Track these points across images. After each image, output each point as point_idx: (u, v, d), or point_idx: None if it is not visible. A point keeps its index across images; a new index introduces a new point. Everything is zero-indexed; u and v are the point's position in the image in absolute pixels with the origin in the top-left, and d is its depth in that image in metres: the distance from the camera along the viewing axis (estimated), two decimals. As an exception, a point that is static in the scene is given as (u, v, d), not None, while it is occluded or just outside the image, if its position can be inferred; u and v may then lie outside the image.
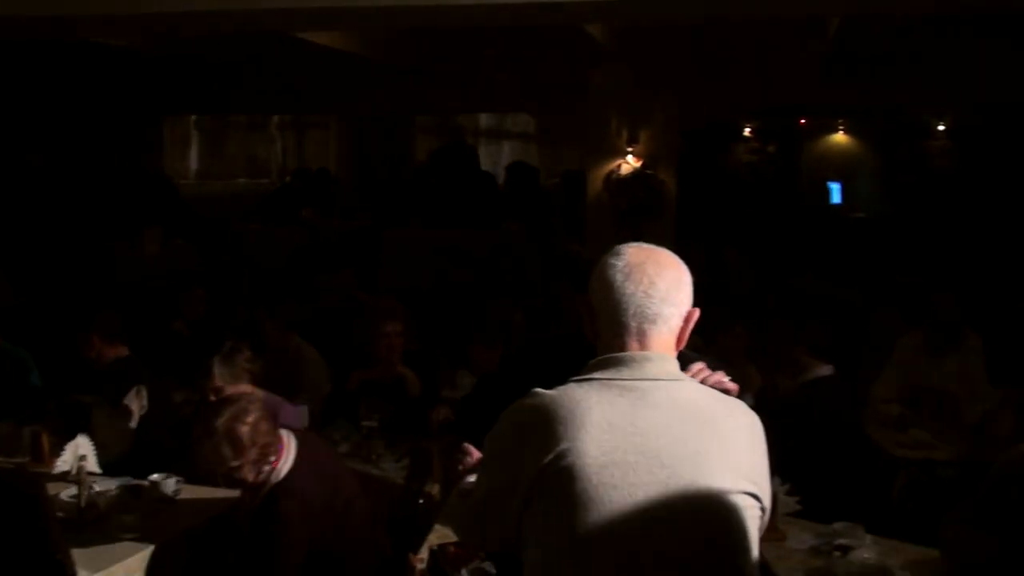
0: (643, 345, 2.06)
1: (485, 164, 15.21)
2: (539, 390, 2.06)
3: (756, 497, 2.04)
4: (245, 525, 3.70)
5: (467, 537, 2.32)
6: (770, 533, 3.55)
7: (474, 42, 9.12)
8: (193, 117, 14.79)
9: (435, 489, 4.44)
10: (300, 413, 4.91)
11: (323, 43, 8.14)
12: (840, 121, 14.23)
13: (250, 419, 3.57)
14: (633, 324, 2.05)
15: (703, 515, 1.97)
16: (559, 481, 1.95)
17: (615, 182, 9.31)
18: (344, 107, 12.49)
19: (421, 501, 4.22)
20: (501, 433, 2.10)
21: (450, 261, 8.88)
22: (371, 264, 9.36)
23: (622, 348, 2.06)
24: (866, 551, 3.44)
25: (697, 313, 2.13)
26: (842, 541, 3.53)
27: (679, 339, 2.11)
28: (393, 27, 8.31)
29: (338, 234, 10.55)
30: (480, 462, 2.26)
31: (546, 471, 1.96)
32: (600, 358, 2.08)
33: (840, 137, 14.48)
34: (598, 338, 2.11)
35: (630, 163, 9.31)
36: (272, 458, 3.60)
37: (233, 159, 15.51)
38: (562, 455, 1.96)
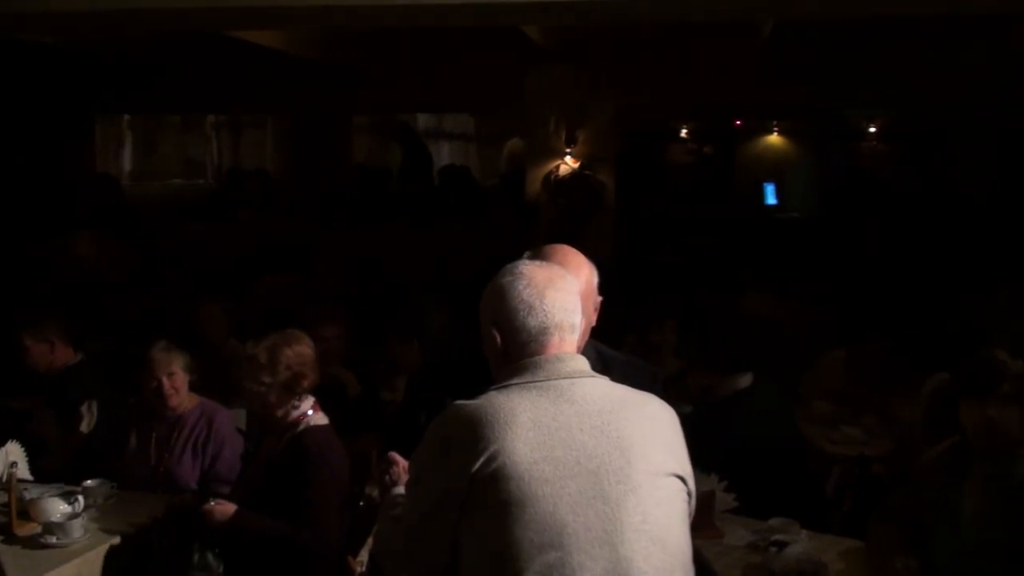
0: (560, 351, 2.15)
1: (424, 164, 15.19)
2: (459, 402, 2.10)
3: (682, 479, 2.13)
4: (260, 477, 3.80)
5: (399, 569, 2.25)
6: (708, 531, 3.61)
7: (412, 41, 9.10)
8: (126, 116, 14.55)
9: (375, 492, 4.41)
10: (236, 416, 4.86)
11: (259, 42, 8.06)
12: (775, 123, 14.43)
13: (296, 347, 3.87)
14: (542, 339, 2.14)
15: (634, 497, 2.03)
16: (492, 484, 1.98)
17: (554, 183, 9.35)
18: (280, 107, 12.37)
19: (361, 503, 4.20)
20: (425, 449, 2.12)
21: (390, 262, 8.84)
22: (310, 265, 9.29)
23: (532, 355, 2.13)
24: (801, 546, 3.49)
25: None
26: (778, 537, 3.58)
27: (586, 332, 2.26)
28: (330, 26, 8.25)
29: (277, 235, 10.45)
30: (407, 485, 2.27)
31: (477, 478, 1.99)
32: (514, 366, 2.14)
33: (774, 138, 14.70)
34: (506, 357, 2.16)
35: (569, 164, 9.35)
36: (300, 393, 3.81)
37: (168, 159, 15.27)
38: (492, 458, 1.99)
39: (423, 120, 15.66)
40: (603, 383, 2.16)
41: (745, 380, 4.31)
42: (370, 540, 3.80)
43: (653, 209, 12.17)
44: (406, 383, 5.35)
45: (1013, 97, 9.35)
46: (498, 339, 2.16)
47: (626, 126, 9.95)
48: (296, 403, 3.84)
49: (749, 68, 9.12)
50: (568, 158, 9.36)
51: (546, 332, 2.13)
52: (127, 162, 14.92)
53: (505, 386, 2.10)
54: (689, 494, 2.17)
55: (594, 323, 2.65)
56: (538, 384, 2.09)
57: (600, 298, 2.66)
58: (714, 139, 14.66)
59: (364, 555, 3.67)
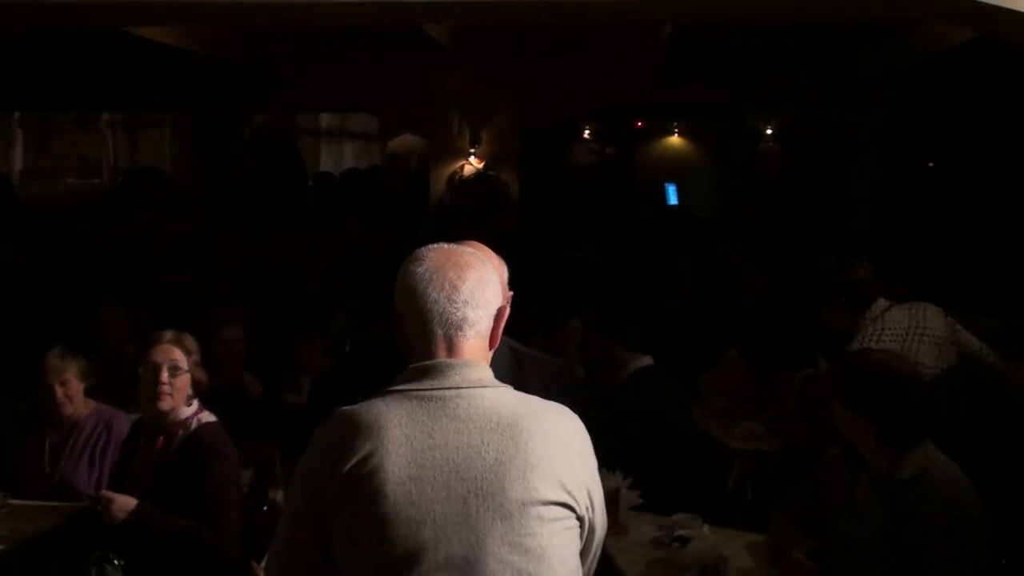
0: (452, 352, 1.99)
1: (326, 164, 15.07)
2: (342, 408, 2.00)
3: (568, 507, 1.95)
4: (149, 477, 3.72)
5: None
6: (612, 527, 3.65)
7: (314, 40, 9.00)
8: (17, 114, 14.11)
9: (279, 496, 4.37)
10: (134, 422, 4.75)
11: (156, 38, 7.89)
12: (675, 124, 14.65)
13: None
14: (440, 332, 1.98)
15: (503, 525, 1.88)
16: (360, 490, 1.88)
17: (458, 183, 9.35)
18: (178, 105, 12.11)
19: (265, 508, 4.15)
20: (304, 456, 2.01)
21: (294, 262, 8.73)
22: (211, 267, 9.13)
23: (431, 356, 1.98)
24: (704, 541, 3.56)
25: (508, 310, 2.09)
26: (681, 532, 3.64)
27: (492, 339, 2.06)
28: (232, 24, 8.12)
29: (174, 236, 10.23)
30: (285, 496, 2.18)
31: (347, 480, 1.88)
32: (409, 368, 2.00)
33: (675, 139, 14.92)
34: (409, 347, 2.03)
35: (473, 164, 9.36)
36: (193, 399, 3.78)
37: (61, 158, 14.83)
38: (363, 462, 1.88)
39: (326, 119, 15.52)
40: (495, 395, 1.98)
41: (646, 360, 4.60)
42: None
43: (556, 209, 12.26)
44: (311, 384, 5.30)
45: (906, 100, 9.66)
46: (403, 328, 2.03)
47: (528, 126, 9.99)
48: (189, 402, 3.79)
49: (649, 69, 9.24)
50: (472, 158, 9.37)
51: (449, 324, 1.98)
52: (18, 161, 14.47)
53: (391, 391, 1.97)
54: (580, 520, 1.98)
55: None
56: (421, 393, 1.94)
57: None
58: (616, 139, 14.82)
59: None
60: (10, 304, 6.78)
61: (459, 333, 1.99)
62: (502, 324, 2.08)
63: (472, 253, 2.08)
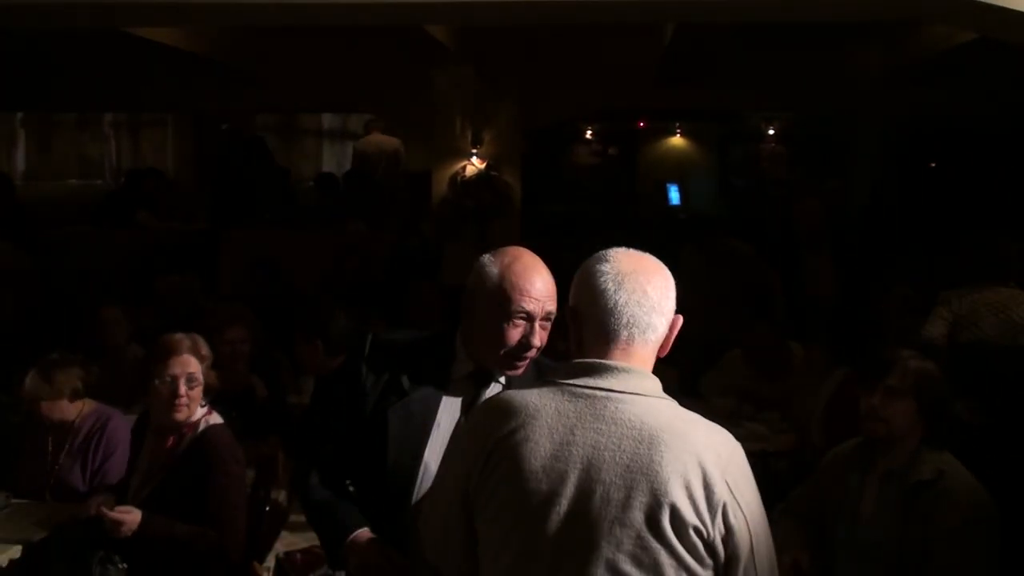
0: (627, 354, 2.00)
1: (329, 165, 15.05)
2: (503, 391, 2.13)
3: (696, 529, 1.89)
4: (156, 478, 3.71)
5: (432, 550, 2.15)
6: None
7: (314, 40, 9.00)
8: (19, 114, 14.11)
9: (281, 496, 4.37)
10: (140, 414, 4.75)
11: (157, 39, 7.89)
12: (677, 124, 14.65)
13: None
14: (624, 334, 2.00)
15: (621, 536, 1.88)
16: (501, 466, 1.95)
17: (461, 183, 9.34)
18: (180, 105, 12.12)
19: (267, 508, 4.15)
20: (464, 430, 2.16)
21: (290, 262, 8.72)
22: (212, 268, 9.13)
23: (606, 356, 2.00)
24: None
25: (680, 320, 2.08)
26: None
27: (664, 346, 2.07)
28: (234, 24, 8.12)
29: (175, 237, 10.24)
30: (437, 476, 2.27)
31: (494, 451, 1.96)
32: (574, 361, 2.03)
33: (677, 140, 14.91)
34: (581, 345, 2.04)
35: (475, 164, 9.36)
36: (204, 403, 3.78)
37: (63, 159, 14.84)
38: (508, 437, 1.96)
39: (328, 120, 15.52)
40: (646, 404, 1.96)
41: None
42: (276, 545, 3.77)
43: (558, 209, 12.26)
44: (313, 386, 5.30)
45: (907, 100, 9.66)
46: (580, 325, 2.04)
47: (531, 126, 9.99)
48: (202, 404, 3.79)
49: (651, 70, 9.23)
50: (474, 159, 9.36)
51: (634, 327, 1.99)
52: (20, 162, 14.49)
53: (552, 382, 2.02)
54: (710, 545, 1.90)
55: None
56: (575, 390, 1.97)
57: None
58: (618, 140, 14.82)
59: (271, 560, 3.64)
60: (10, 304, 6.77)
61: (642, 337, 2.01)
62: (675, 333, 2.08)
63: (656, 260, 2.09)
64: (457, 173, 9.39)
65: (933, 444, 3.17)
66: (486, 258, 2.42)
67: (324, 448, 2.57)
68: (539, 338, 2.41)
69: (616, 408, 1.94)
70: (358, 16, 5.76)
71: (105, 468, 4.32)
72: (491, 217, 9.12)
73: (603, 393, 1.96)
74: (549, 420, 1.95)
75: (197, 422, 3.76)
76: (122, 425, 4.44)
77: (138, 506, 3.63)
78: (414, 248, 9.07)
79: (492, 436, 1.98)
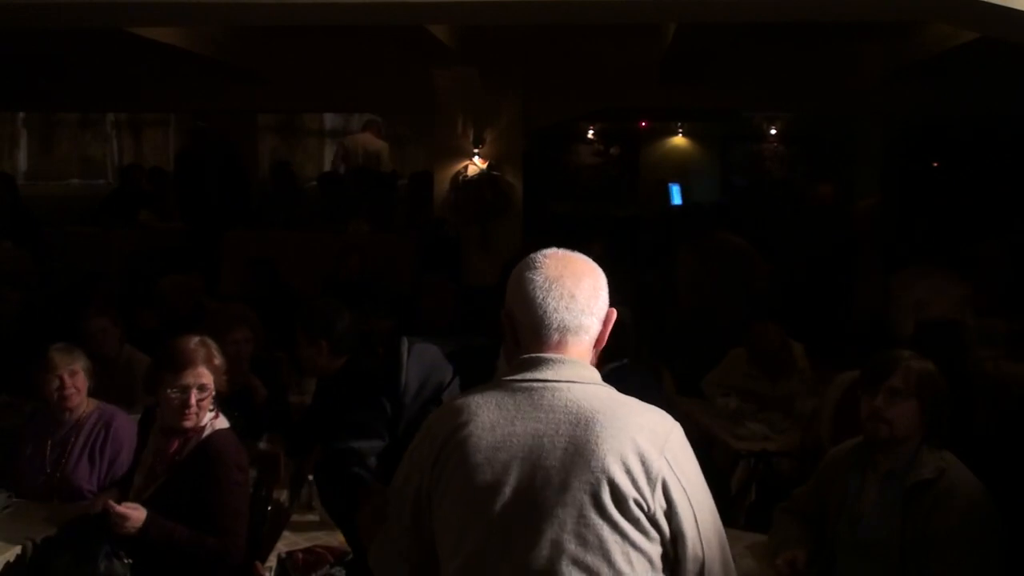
0: (560, 351, 2.07)
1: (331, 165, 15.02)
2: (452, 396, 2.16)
3: (637, 504, 1.93)
4: (160, 479, 3.70)
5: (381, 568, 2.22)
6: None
7: (315, 40, 9.00)
8: (21, 114, 14.11)
9: (283, 496, 4.37)
10: (136, 423, 4.75)
11: (159, 39, 7.89)
12: (679, 124, 14.63)
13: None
14: (556, 336, 2.06)
15: (565, 517, 1.93)
16: (449, 463, 2.02)
17: (462, 183, 9.35)
18: (182, 105, 12.11)
19: (269, 508, 4.16)
20: (416, 439, 2.16)
21: (291, 262, 8.72)
22: (213, 268, 9.13)
23: (530, 352, 2.07)
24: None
25: (615, 313, 2.14)
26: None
27: (599, 340, 2.12)
28: (232, 23, 8.12)
29: (177, 237, 10.24)
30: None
31: (442, 451, 2.03)
32: (516, 360, 2.09)
33: (679, 140, 14.89)
34: (519, 345, 2.10)
35: (476, 164, 9.36)
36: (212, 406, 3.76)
37: (66, 159, 14.85)
38: (452, 435, 2.02)
39: (330, 119, 15.51)
40: (582, 390, 2.02)
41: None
42: (278, 545, 3.77)
43: (559, 209, 12.25)
44: (316, 388, 5.30)
45: (908, 100, 9.65)
46: (516, 330, 2.10)
47: (533, 126, 9.99)
48: (210, 409, 3.78)
49: (653, 70, 9.23)
50: (476, 158, 9.37)
51: (566, 330, 2.05)
52: (23, 162, 14.50)
53: (494, 382, 2.10)
54: (652, 519, 1.95)
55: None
56: (514, 385, 2.04)
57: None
58: (620, 140, 14.80)
59: (272, 560, 3.64)
60: (11, 304, 6.77)
61: (575, 338, 2.07)
62: (609, 327, 2.13)
63: (586, 260, 2.14)
64: (459, 173, 9.39)
65: (933, 444, 3.18)
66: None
67: (349, 440, 2.56)
68: None
69: (552, 396, 2.01)
70: (359, 16, 5.75)
71: (113, 468, 4.34)
72: (493, 217, 9.13)
73: (540, 384, 2.02)
74: (491, 415, 2.01)
75: (203, 426, 3.76)
76: (127, 423, 4.46)
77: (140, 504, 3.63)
78: (442, 240, 9.02)
79: (440, 437, 2.05)
